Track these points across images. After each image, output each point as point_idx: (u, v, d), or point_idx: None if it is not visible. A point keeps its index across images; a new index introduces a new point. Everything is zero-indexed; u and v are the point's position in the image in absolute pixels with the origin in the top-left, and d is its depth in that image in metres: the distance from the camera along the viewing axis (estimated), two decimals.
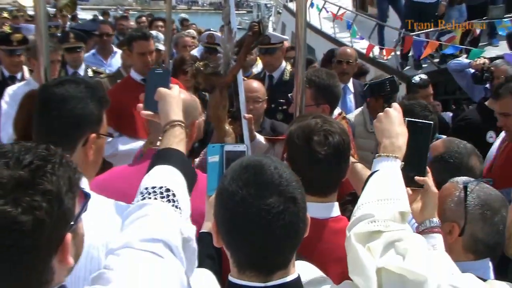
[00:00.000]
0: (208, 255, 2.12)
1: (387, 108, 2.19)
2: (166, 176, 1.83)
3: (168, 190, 1.75)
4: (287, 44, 6.94)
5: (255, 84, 4.39)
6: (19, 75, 6.22)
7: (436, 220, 2.18)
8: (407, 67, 10.72)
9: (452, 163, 2.82)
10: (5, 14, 12.87)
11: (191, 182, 1.92)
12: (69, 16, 14.60)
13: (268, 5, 32.55)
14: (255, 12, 40.44)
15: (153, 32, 7.26)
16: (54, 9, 15.85)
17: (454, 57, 8.83)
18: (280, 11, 19.76)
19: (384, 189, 1.95)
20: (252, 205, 1.53)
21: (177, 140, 2.02)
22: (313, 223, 2.02)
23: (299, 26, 2.99)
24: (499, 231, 2.15)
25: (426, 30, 10.32)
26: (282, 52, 5.86)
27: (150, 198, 1.73)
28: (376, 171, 2.05)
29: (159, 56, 6.40)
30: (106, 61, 7.55)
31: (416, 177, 2.20)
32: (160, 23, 9.45)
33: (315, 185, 2.24)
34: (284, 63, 5.86)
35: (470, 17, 10.13)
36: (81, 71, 6.50)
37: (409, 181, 2.16)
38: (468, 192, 2.22)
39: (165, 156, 1.93)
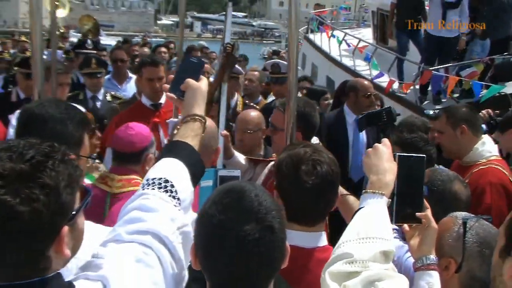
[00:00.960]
0: (195, 279, 2.06)
1: (376, 144, 2.17)
2: (168, 168, 1.88)
3: (167, 181, 1.81)
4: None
5: (252, 114, 4.39)
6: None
7: (433, 257, 2.15)
8: (426, 102, 10.60)
9: (436, 191, 2.80)
10: (23, 38, 13.02)
11: (198, 175, 1.97)
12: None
13: None
14: (283, 42, 40.73)
15: (175, 59, 7.38)
16: (79, 34, 16.06)
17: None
18: (301, 42, 19.83)
19: (368, 227, 1.92)
20: (230, 230, 1.55)
21: (193, 134, 2.04)
22: (300, 252, 2.15)
23: (291, 55, 3.00)
24: None
25: (447, 65, 10.25)
26: None
27: (148, 188, 1.80)
28: (362, 208, 2.02)
29: None
30: (121, 86, 7.64)
31: (417, 214, 2.15)
32: (163, 49, 9.72)
33: (302, 214, 2.27)
34: None
35: (491, 53, 10.04)
36: (100, 96, 6.65)
37: (406, 217, 2.14)
38: (467, 229, 2.19)
39: (174, 149, 1.98)
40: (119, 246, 1.63)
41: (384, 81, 11.32)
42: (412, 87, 10.71)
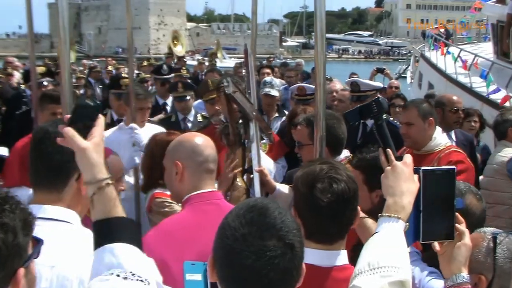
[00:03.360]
0: None
1: (396, 162, 2.06)
2: (124, 257, 1.77)
3: (132, 273, 1.71)
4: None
5: None
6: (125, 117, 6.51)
7: (464, 275, 2.01)
8: None
9: None
10: (145, 63, 13.78)
11: (136, 238, 1.89)
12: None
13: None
14: (412, 59, 40.04)
15: (268, 78, 7.50)
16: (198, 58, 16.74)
17: None
18: (418, 60, 19.15)
19: (380, 256, 1.84)
20: (252, 244, 1.56)
21: (112, 204, 1.85)
22: (316, 271, 2.15)
23: (318, 71, 2.96)
24: None
25: None
26: None
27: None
28: (376, 232, 1.95)
29: (272, 101, 6.69)
30: None
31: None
32: (267, 70, 10.01)
33: (318, 232, 2.24)
34: None
35: None
36: (190, 117, 6.86)
37: (434, 234, 2.05)
38: (497, 244, 2.17)
39: (108, 233, 1.82)
40: None
41: (501, 98, 10.59)
42: None
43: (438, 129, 4.48)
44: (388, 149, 2.20)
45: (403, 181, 1.99)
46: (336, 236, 2.27)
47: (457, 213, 2.06)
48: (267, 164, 4.52)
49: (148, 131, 5.18)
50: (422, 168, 2.04)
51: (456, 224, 2.03)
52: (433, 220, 2.01)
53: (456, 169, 2.08)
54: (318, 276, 2.18)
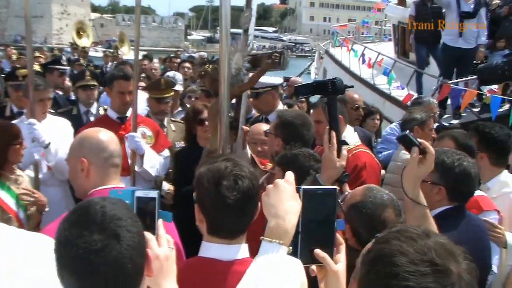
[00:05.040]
0: None
1: (277, 180, 1.89)
2: None
3: None
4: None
5: (263, 127, 4.51)
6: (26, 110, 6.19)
7: None
8: (445, 116, 10.22)
9: (364, 213, 2.77)
10: (37, 53, 13.09)
11: None
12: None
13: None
14: (317, 55, 41.10)
15: (171, 73, 7.35)
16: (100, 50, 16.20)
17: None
18: (323, 56, 19.60)
19: (265, 283, 1.74)
20: (74, 245, 1.54)
21: None
22: (217, 265, 2.23)
23: (222, 69, 3.04)
24: None
25: (466, 79, 9.87)
26: (272, 96, 5.59)
27: None
28: (259, 258, 1.82)
29: (176, 95, 6.73)
30: None
31: (316, 251, 1.85)
32: (187, 65, 10.19)
33: (222, 228, 2.27)
34: (280, 106, 5.77)
35: None
36: (93, 110, 6.64)
37: (312, 257, 1.85)
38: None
39: None
40: None
41: (403, 95, 11.01)
42: None
43: (349, 128, 4.46)
44: (333, 132, 2.18)
45: (286, 200, 1.84)
46: (239, 231, 2.30)
47: (337, 235, 1.90)
48: (152, 155, 4.79)
49: (49, 123, 5.02)
50: (303, 187, 1.89)
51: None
52: (311, 242, 1.86)
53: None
54: (220, 270, 2.22)
